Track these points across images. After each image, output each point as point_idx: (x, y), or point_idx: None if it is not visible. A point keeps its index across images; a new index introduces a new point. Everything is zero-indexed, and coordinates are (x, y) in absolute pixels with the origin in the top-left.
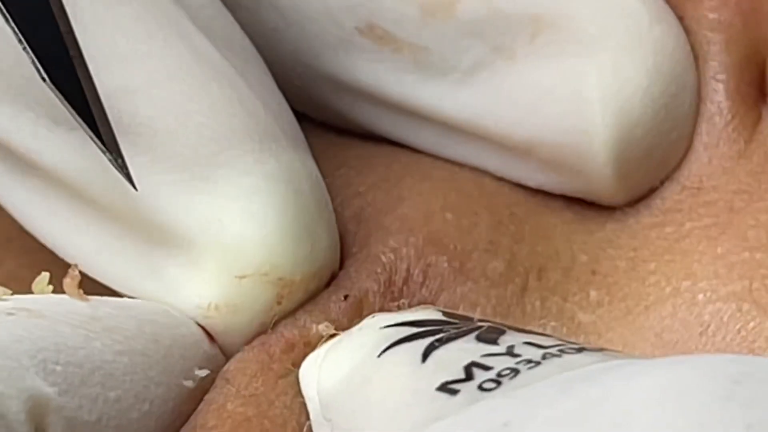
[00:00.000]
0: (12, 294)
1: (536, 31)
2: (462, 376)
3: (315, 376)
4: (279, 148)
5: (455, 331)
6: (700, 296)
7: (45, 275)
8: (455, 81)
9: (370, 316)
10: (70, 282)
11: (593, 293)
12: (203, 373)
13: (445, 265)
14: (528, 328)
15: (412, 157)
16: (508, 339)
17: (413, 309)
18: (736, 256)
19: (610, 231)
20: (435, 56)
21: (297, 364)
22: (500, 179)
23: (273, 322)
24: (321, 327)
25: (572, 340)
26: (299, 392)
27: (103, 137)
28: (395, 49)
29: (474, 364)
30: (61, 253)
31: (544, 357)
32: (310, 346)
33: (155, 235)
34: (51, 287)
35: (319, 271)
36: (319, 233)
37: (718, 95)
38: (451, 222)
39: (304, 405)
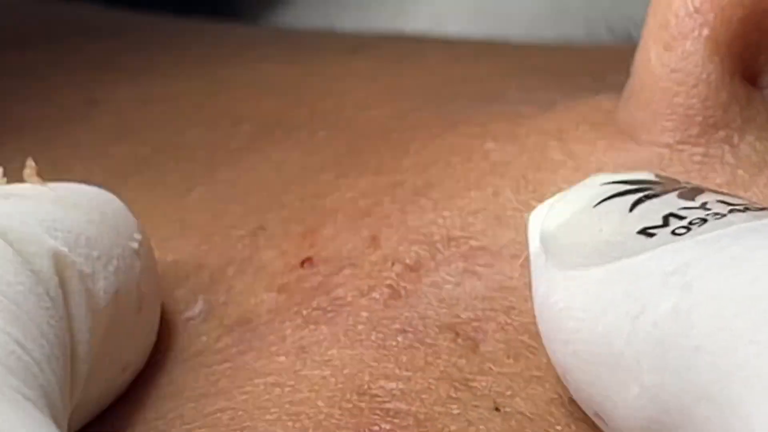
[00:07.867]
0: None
1: None
2: (660, 223)
3: (540, 219)
4: None
5: (661, 188)
6: None
7: None
8: None
9: (594, 174)
10: (29, 171)
11: None
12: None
13: None
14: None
15: None
16: (704, 197)
17: (631, 172)
18: None
19: None
20: None
21: None
22: None
23: None
24: None
25: (757, 203)
26: None
27: None
28: None
29: (671, 214)
30: None
31: (730, 211)
32: None
33: None
34: (5, 179)
35: None
36: None
37: None
38: None
39: None
